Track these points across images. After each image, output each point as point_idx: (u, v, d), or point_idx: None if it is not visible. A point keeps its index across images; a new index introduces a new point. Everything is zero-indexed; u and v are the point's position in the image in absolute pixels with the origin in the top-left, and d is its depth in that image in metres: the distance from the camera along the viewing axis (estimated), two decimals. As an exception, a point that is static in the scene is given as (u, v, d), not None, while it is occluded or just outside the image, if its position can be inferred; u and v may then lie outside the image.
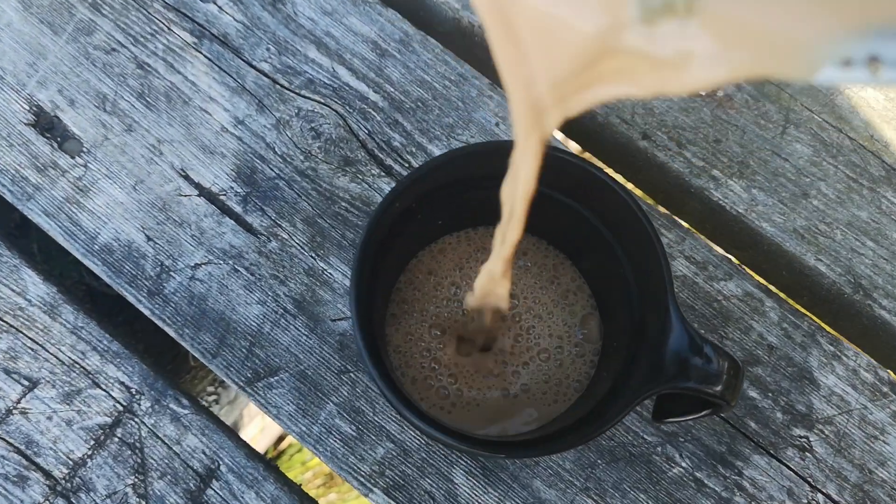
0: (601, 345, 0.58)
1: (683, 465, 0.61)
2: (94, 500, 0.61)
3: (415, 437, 0.62)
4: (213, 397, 0.97)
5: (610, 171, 0.71)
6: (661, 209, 0.68)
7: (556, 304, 0.59)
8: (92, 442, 0.61)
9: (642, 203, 0.56)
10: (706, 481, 0.61)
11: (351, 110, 0.68)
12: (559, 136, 0.72)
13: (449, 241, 0.60)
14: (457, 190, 0.56)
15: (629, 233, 0.53)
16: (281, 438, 1.33)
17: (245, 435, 1.23)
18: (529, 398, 0.57)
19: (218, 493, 0.61)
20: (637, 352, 0.52)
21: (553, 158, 0.52)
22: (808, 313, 0.66)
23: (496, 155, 0.54)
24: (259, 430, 1.27)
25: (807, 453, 0.62)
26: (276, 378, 0.62)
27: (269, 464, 0.62)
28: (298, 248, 0.65)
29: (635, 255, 0.53)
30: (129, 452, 0.61)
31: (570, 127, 0.72)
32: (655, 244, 0.50)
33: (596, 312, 0.59)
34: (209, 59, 0.68)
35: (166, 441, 0.62)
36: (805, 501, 0.61)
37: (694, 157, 0.68)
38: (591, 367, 0.58)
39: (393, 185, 0.66)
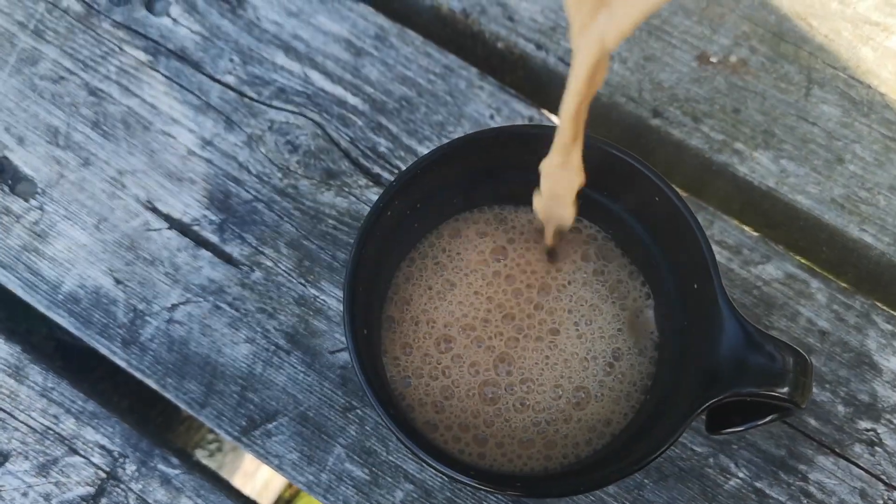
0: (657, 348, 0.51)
1: (741, 475, 0.55)
2: (83, 582, 0.54)
3: (436, 475, 0.55)
4: (216, 445, 0.90)
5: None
6: (682, 192, 0.61)
7: (604, 299, 0.52)
8: (75, 516, 0.55)
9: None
10: (768, 491, 0.54)
11: (329, 117, 0.61)
12: (556, 120, 0.65)
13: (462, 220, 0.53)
14: (458, 189, 0.50)
15: (658, 216, 0.46)
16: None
17: (258, 478, 1.17)
18: (575, 420, 0.50)
19: (221, 560, 0.55)
20: (684, 357, 0.45)
21: (539, 135, 0.47)
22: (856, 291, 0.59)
23: (498, 143, 0.48)
24: (271, 472, 1.21)
25: (876, 448, 0.55)
26: (274, 424, 0.56)
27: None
28: (285, 275, 0.58)
29: (668, 241, 0.47)
30: (118, 524, 0.55)
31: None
32: (693, 226, 0.43)
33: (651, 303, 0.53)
34: (168, 78, 0.62)
35: (157, 507, 0.55)
36: (881, 502, 0.54)
37: (713, 131, 0.62)
38: (649, 378, 0.50)
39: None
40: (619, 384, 0.50)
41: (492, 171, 0.50)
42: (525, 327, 0.51)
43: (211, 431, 0.89)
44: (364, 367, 0.42)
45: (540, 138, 0.44)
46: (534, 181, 0.46)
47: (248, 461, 1.14)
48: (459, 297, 0.52)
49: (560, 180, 0.44)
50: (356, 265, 0.44)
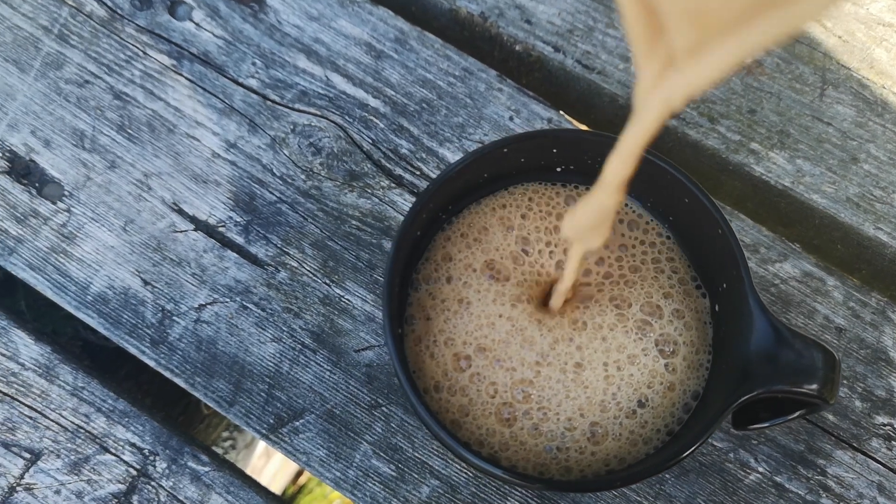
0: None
1: (760, 470, 0.56)
2: (116, 578, 0.55)
3: (461, 470, 0.56)
4: (230, 443, 0.91)
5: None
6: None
7: (647, 353, 0.48)
8: (106, 513, 0.56)
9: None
10: (787, 485, 0.55)
11: (351, 120, 0.62)
12: (572, 121, 0.66)
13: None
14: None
15: (686, 217, 0.47)
16: (300, 472, 1.28)
17: (264, 476, 1.18)
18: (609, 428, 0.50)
19: (251, 556, 0.56)
20: (716, 356, 0.46)
21: (581, 140, 0.47)
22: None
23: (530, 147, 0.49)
24: (277, 468, 1.22)
25: (893, 442, 0.56)
26: (301, 421, 0.57)
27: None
28: (310, 275, 0.59)
29: (695, 242, 0.48)
30: (149, 521, 0.56)
31: (589, 113, 0.66)
32: (723, 225, 0.44)
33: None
34: (191, 81, 0.63)
35: (188, 504, 0.56)
36: (898, 495, 0.56)
37: (729, 132, 0.63)
38: (678, 423, 0.48)
39: (405, 195, 0.60)
40: (641, 429, 0.48)
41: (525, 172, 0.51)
42: (551, 356, 0.49)
43: (226, 429, 0.90)
44: (404, 364, 0.43)
45: (573, 142, 0.45)
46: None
47: (256, 459, 1.15)
48: (481, 315, 0.50)
49: (588, 234, 0.40)
50: (393, 264, 0.45)
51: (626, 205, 0.51)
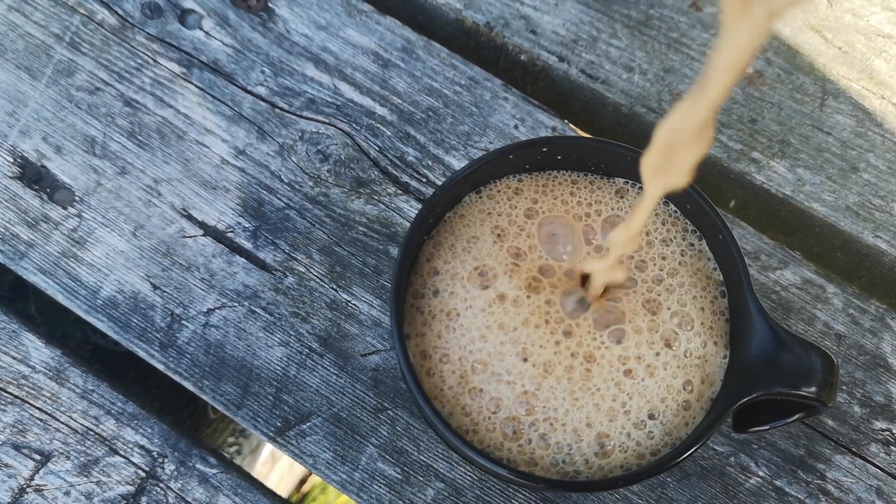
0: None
1: (761, 474, 0.56)
2: (125, 578, 0.56)
3: (466, 473, 0.57)
4: (235, 448, 0.92)
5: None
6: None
7: (666, 366, 0.47)
8: (115, 514, 0.56)
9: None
10: (787, 489, 0.56)
11: (358, 127, 0.63)
12: (576, 129, 0.67)
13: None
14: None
15: (689, 223, 0.48)
16: (304, 479, 1.28)
17: (269, 482, 1.18)
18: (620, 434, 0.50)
19: (258, 557, 0.56)
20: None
21: (585, 147, 0.48)
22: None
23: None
24: (282, 474, 1.22)
25: (892, 447, 0.57)
26: (308, 424, 0.57)
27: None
28: (318, 280, 0.60)
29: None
30: (157, 522, 0.56)
31: (593, 122, 0.67)
32: (723, 230, 0.45)
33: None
34: (201, 89, 0.64)
35: (196, 505, 0.57)
36: (896, 500, 0.56)
37: (730, 141, 0.63)
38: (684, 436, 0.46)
39: (411, 202, 0.61)
40: (649, 440, 0.47)
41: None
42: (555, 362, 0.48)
43: (231, 434, 0.91)
44: (411, 367, 0.44)
45: (577, 148, 0.46)
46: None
47: (261, 465, 1.16)
48: (472, 329, 0.49)
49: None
50: (401, 268, 0.46)
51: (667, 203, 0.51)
